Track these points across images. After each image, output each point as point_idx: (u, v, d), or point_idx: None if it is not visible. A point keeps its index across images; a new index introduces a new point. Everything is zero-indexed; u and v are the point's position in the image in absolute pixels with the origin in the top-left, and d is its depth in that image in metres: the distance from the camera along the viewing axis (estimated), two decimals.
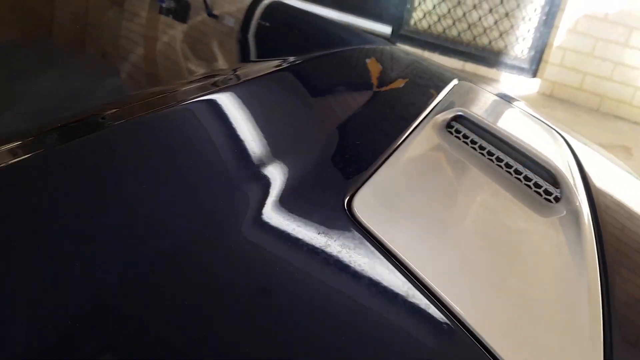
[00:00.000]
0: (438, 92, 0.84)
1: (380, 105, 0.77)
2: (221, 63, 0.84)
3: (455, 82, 0.95)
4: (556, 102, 3.48)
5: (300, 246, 0.44)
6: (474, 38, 3.57)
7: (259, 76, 0.69)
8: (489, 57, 3.56)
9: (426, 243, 0.48)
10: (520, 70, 3.49)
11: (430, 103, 0.76)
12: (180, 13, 1.14)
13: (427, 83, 0.94)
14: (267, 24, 1.20)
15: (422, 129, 0.66)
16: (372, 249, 0.45)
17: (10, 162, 0.42)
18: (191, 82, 0.63)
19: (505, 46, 3.51)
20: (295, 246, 0.44)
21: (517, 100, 1.16)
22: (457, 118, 0.69)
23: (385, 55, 1.06)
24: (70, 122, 0.49)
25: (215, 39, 1.00)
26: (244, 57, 0.91)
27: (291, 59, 0.82)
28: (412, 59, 1.15)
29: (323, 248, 0.44)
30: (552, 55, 3.41)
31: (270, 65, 0.74)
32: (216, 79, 0.66)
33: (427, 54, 3.75)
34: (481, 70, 3.65)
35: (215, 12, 1.22)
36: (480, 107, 0.82)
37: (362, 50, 1.02)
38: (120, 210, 0.42)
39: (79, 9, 0.83)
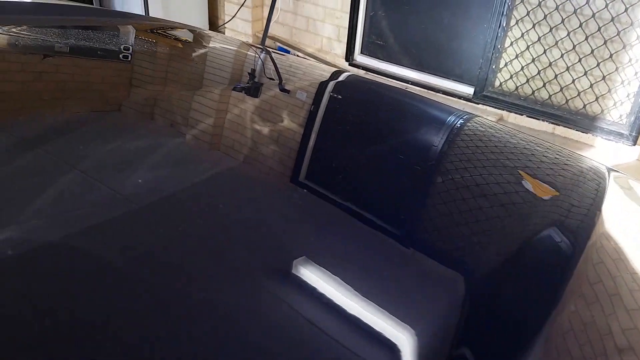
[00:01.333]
0: None
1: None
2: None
3: None
4: None
5: None
6: (567, 101, 3.34)
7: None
8: (583, 121, 3.31)
9: None
10: (619, 136, 3.22)
11: None
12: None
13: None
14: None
15: None
16: None
17: None
18: None
19: (602, 110, 3.26)
20: None
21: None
22: None
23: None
24: None
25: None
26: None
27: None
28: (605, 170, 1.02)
29: None
30: None
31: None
32: None
33: (512, 117, 3.55)
34: (573, 134, 3.40)
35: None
36: None
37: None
38: None
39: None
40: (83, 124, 0.81)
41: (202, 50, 1.47)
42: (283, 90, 1.17)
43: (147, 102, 0.97)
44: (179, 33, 1.51)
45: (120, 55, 1.24)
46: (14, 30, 1.11)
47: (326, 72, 1.54)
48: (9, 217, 0.54)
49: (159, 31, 1.46)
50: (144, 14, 4.05)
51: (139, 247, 0.56)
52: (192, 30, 1.61)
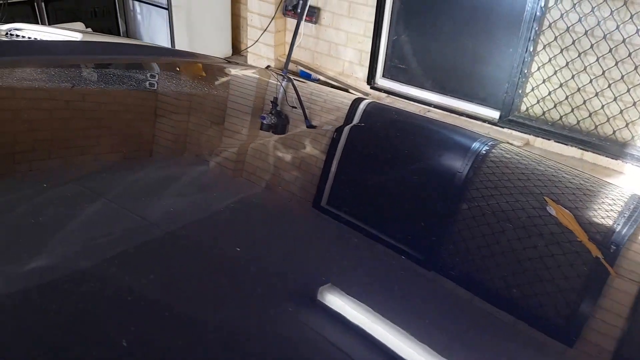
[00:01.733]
0: None
1: None
2: None
3: None
4: None
5: None
6: (596, 127, 3.28)
7: None
8: (612, 147, 3.24)
9: None
10: None
11: None
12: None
13: None
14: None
15: None
16: None
17: None
18: None
19: (632, 137, 3.19)
20: None
21: None
22: None
23: None
24: None
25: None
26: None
27: None
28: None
29: None
30: None
31: None
32: None
33: (539, 141, 3.49)
34: (602, 160, 3.33)
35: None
36: None
37: None
38: None
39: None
40: (116, 157, 0.84)
41: (236, 83, 1.46)
42: (310, 126, 1.16)
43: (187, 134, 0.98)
44: (215, 66, 1.51)
45: (147, 83, 1.24)
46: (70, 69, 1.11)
47: (347, 99, 1.53)
48: (42, 245, 0.56)
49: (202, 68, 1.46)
50: (171, 42, 4.11)
51: (169, 273, 0.57)
52: (229, 63, 1.61)
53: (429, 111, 3.92)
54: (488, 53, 3.59)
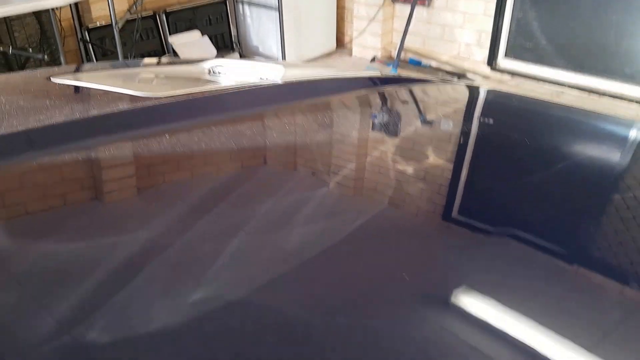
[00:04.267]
0: None
1: None
2: None
3: None
4: None
5: None
6: None
7: None
8: None
9: None
10: None
11: None
12: None
13: None
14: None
15: None
16: None
17: None
18: None
19: None
20: None
21: None
22: None
23: None
24: None
25: None
26: None
27: None
28: None
29: None
30: None
31: None
32: None
33: None
34: None
35: None
36: None
37: None
38: None
39: None
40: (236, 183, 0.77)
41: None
42: (425, 122, 1.04)
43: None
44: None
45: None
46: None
47: (463, 91, 1.33)
48: (191, 281, 0.55)
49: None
50: (281, 42, 4.05)
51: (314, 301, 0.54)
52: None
53: (562, 92, 3.61)
54: (635, 26, 3.22)
